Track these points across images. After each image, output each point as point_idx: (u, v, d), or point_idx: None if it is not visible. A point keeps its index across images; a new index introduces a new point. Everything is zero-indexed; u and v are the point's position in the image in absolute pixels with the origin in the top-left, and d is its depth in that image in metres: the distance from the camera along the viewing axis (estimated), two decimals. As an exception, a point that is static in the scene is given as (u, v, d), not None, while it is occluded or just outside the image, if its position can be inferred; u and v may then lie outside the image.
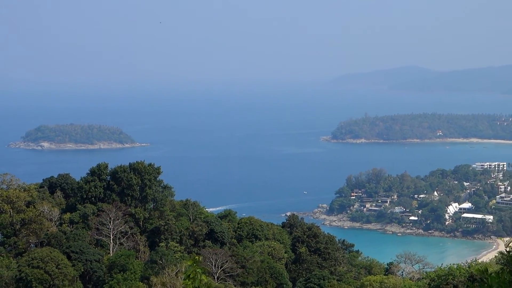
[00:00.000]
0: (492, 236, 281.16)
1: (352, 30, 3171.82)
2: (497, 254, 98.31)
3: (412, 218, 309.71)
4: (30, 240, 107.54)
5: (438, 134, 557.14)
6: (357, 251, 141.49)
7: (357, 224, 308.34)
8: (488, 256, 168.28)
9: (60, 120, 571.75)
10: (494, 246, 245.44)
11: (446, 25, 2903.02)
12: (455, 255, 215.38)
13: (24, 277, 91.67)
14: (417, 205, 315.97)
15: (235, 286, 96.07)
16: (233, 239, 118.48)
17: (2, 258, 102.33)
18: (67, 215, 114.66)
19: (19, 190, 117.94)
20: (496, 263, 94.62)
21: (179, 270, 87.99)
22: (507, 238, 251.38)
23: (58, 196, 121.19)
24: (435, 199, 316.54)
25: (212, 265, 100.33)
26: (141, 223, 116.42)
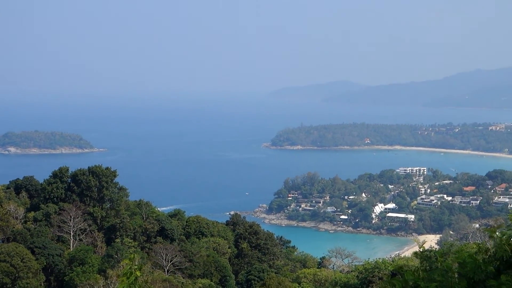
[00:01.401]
0: (413, 233, 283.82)
1: (289, 47, 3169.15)
2: (412, 254, 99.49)
3: (342, 217, 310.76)
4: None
5: (366, 141, 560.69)
6: (293, 247, 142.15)
7: (293, 222, 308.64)
8: (410, 251, 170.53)
9: (26, 127, 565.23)
10: (415, 243, 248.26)
11: (374, 44, 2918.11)
12: (381, 251, 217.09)
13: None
14: (347, 205, 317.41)
15: (183, 278, 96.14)
16: (182, 236, 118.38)
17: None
18: (31, 214, 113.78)
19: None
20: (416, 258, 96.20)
21: (138, 258, 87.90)
22: (423, 238, 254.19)
23: (23, 196, 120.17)
24: (363, 200, 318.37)
25: (163, 259, 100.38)
26: (98, 221, 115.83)
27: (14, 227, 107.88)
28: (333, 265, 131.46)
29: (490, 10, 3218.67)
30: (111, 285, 80.00)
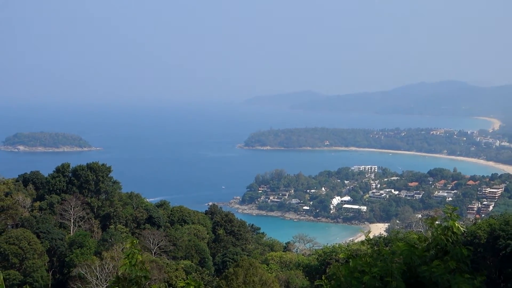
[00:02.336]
0: (365, 222, 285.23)
1: (259, 60, 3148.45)
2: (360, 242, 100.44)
3: (305, 208, 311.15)
4: (8, 223, 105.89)
5: (325, 143, 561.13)
6: (263, 233, 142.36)
7: (263, 212, 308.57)
8: (362, 237, 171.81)
9: (33, 128, 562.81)
10: (366, 230, 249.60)
11: (333, 60, 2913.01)
12: (337, 237, 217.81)
13: (3, 251, 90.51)
14: (309, 198, 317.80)
15: (168, 259, 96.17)
16: (167, 223, 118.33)
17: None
18: (37, 203, 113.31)
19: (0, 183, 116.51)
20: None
21: (124, 247, 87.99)
22: (373, 226, 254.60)
23: (30, 188, 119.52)
24: (322, 193, 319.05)
25: (150, 243, 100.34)
26: (95, 210, 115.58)
27: (22, 215, 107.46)
28: (297, 249, 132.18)
29: (432, 30, 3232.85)
30: (105, 265, 79.87)
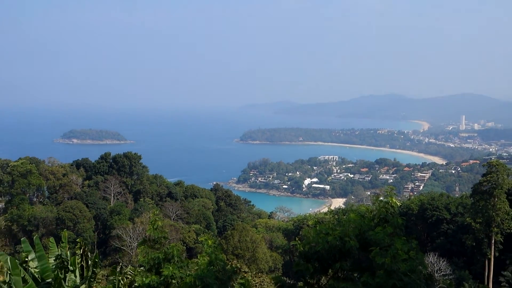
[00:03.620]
0: (328, 197, 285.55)
1: (250, 73, 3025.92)
2: (325, 212, 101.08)
3: (284, 186, 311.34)
4: (65, 196, 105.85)
5: (300, 139, 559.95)
6: (253, 205, 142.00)
7: (253, 189, 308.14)
8: (325, 209, 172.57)
9: (84, 126, 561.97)
10: (329, 203, 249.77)
11: (305, 75, 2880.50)
12: (308, 208, 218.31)
13: (61, 217, 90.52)
14: (287, 179, 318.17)
15: (182, 224, 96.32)
16: (182, 197, 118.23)
17: (48, 206, 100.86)
18: (87, 182, 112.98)
19: (59, 167, 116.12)
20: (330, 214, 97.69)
21: (150, 215, 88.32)
22: (334, 200, 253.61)
23: (81, 171, 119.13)
24: (297, 176, 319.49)
25: (170, 212, 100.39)
26: (129, 187, 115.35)
27: (75, 190, 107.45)
28: (278, 217, 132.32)
29: (379, 54, 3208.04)
30: (136, 228, 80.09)
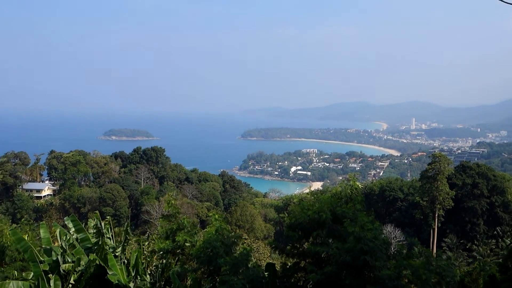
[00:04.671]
0: (310, 181, 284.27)
1: (247, 81, 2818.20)
2: (307, 193, 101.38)
3: (275, 173, 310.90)
4: (105, 180, 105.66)
5: (288, 136, 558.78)
6: (251, 187, 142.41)
7: (251, 175, 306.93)
8: (307, 190, 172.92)
9: (120, 126, 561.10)
10: (310, 186, 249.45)
11: (293, 85, 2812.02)
12: (294, 189, 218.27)
13: (102, 197, 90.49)
14: (278, 167, 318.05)
15: (197, 202, 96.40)
16: (196, 181, 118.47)
17: (92, 188, 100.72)
18: (122, 169, 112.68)
19: (101, 157, 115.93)
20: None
21: (172, 194, 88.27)
22: (314, 183, 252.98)
23: (118, 161, 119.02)
24: (285, 164, 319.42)
25: (187, 192, 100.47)
26: (155, 174, 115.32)
27: (114, 176, 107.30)
28: (271, 196, 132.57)
29: (347, 70, 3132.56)
30: (161, 205, 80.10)
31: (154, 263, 17.35)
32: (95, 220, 16.22)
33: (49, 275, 14.60)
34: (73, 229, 16.56)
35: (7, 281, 14.17)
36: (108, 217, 17.80)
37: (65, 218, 17.38)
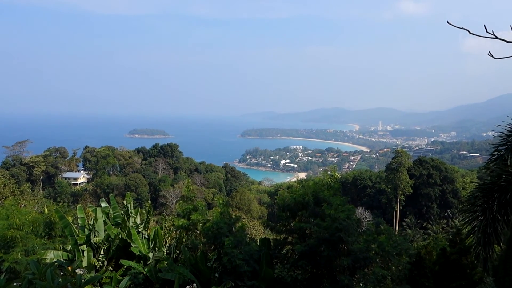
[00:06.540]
0: (296, 172, 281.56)
1: (244, 87, 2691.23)
2: (294, 181, 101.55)
3: (268, 165, 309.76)
4: (130, 170, 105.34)
5: (278, 135, 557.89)
6: (248, 177, 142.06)
7: (249, 167, 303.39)
8: (294, 179, 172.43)
9: (142, 126, 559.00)
10: (296, 175, 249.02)
11: (286, 92, 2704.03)
12: (283, 178, 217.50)
13: (127, 184, 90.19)
14: (270, 160, 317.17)
15: (204, 188, 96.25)
16: (204, 171, 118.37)
17: (119, 177, 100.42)
18: (144, 162, 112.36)
19: (126, 152, 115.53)
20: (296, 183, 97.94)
21: (184, 183, 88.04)
22: (300, 174, 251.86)
23: (140, 154, 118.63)
24: (277, 158, 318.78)
25: (196, 180, 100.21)
26: (171, 165, 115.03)
27: (136, 167, 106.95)
28: (264, 184, 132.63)
29: (331, 73, 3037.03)
30: (176, 190, 79.90)
31: (170, 238, 17.44)
32: (128, 199, 16.32)
33: (83, 247, 14.72)
34: (107, 209, 16.65)
35: (48, 250, 14.24)
36: (128, 199, 17.79)
37: (100, 200, 17.50)
